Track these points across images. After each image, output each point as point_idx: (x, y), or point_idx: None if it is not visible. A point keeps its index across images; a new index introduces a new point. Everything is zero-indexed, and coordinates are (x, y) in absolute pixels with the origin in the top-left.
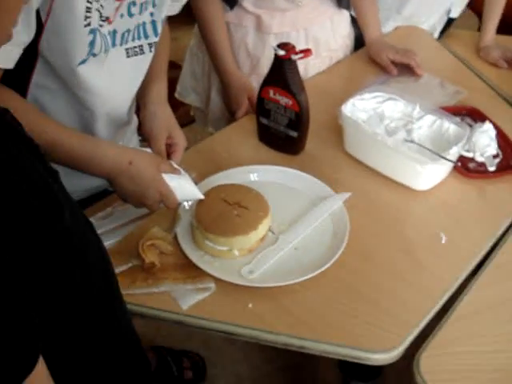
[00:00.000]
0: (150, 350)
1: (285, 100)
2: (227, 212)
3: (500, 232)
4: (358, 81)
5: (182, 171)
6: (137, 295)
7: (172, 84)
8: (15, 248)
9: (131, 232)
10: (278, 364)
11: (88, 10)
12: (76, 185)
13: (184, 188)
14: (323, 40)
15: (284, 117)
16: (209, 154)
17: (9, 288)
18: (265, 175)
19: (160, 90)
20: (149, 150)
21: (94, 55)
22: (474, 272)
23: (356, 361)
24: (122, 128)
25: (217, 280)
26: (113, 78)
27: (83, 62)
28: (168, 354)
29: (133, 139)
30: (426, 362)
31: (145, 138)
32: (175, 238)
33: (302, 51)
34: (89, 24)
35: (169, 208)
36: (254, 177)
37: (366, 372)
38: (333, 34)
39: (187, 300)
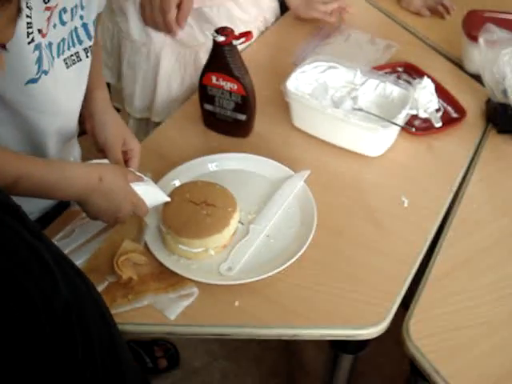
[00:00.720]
0: None
1: (229, 85)
2: (196, 213)
3: (456, 185)
4: (291, 48)
5: (145, 177)
6: (120, 314)
7: None
8: (15, 341)
9: (99, 248)
10: None
11: (29, 25)
12: (32, 206)
13: (151, 194)
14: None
15: (230, 101)
16: (157, 149)
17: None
18: (222, 164)
19: (104, 97)
20: (106, 161)
21: (46, 73)
22: (439, 229)
23: (347, 338)
24: (70, 141)
25: (198, 283)
26: (59, 93)
27: (34, 80)
28: (139, 347)
29: (75, 147)
30: (414, 328)
31: (98, 148)
32: (145, 246)
33: (242, 34)
34: (32, 40)
35: (141, 216)
36: (212, 167)
37: (356, 345)
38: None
39: (173, 309)
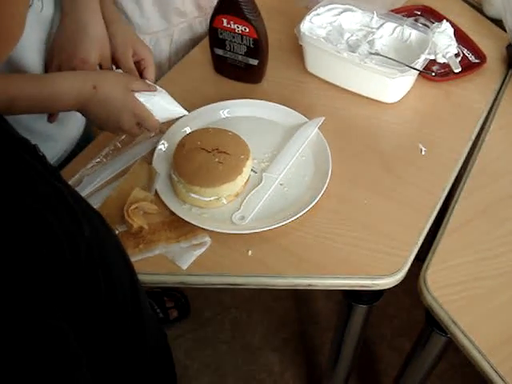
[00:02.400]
0: None
1: (241, 28)
2: (208, 161)
3: (475, 134)
4: None
5: (158, 88)
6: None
7: None
8: (40, 278)
9: (108, 196)
10: None
11: None
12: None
13: (163, 106)
14: None
15: (241, 45)
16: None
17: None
18: (234, 110)
19: (108, 6)
20: (119, 70)
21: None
22: (457, 179)
23: (363, 289)
24: None
25: (210, 232)
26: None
27: None
28: (149, 297)
29: None
30: (432, 278)
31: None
32: (156, 195)
33: None
34: None
35: (150, 131)
36: (224, 113)
37: (370, 295)
38: None
39: (185, 259)
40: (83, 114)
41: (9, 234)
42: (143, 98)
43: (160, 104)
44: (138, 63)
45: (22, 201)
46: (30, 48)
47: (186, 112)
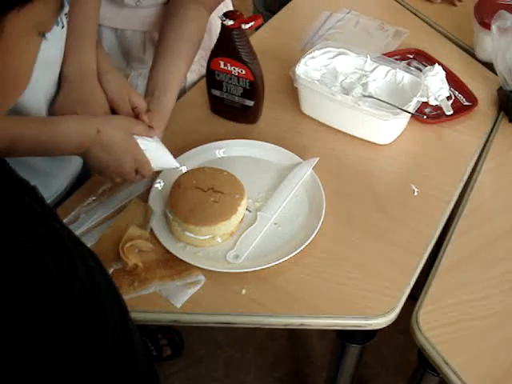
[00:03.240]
0: None
1: (237, 70)
2: (204, 200)
3: (467, 175)
4: (299, 34)
5: (154, 136)
6: (126, 301)
7: None
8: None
9: (104, 234)
10: None
11: None
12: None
13: (158, 155)
14: None
15: (238, 87)
16: (163, 135)
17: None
18: (230, 150)
19: (103, 55)
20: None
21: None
22: (450, 219)
23: (356, 328)
24: None
25: (205, 271)
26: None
27: None
28: (143, 334)
29: None
30: (424, 319)
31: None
32: (151, 233)
33: (251, 18)
34: None
35: (144, 177)
36: (220, 153)
37: (363, 335)
38: None
39: (180, 297)
40: (84, 158)
41: (5, 273)
42: (142, 142)
43: (156, 152)
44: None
45: (20, 241)
46: (34, 88)
47: (178, 165)
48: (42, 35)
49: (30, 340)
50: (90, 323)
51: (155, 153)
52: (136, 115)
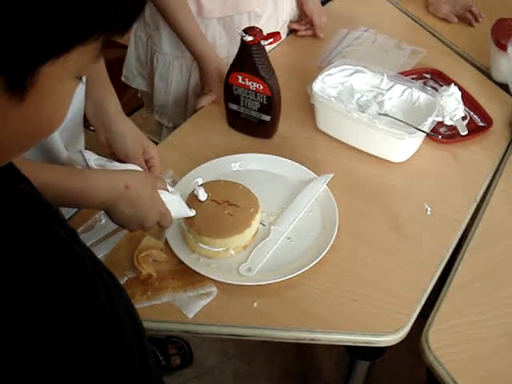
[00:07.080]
0: None
1: (255, 85)
2: (218, 212)
3: (480, 195)
4: (316, 51)
5: (170, 188)
6: (138, 310)
7: (116, 65)
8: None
9: (119, 243)
10: None
11: None
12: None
13: (176, 205)
14: (265, 18)
15: (255, 101)
16: (180, 146)
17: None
18: (246, 164)
19: (116, 105)
20: (134, 166)
21: None
22: (462, 239)
23: (366, 345)
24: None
25: (217, 283)
26: None
27: None
28: (153, 344)
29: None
30: (434, 337)
31: (119, 159)
32: (166, 243)
33: (270, 35)
34: None
35: (165, 227)
36: (235, 167)
37: (373, 351)
38: (276, 13)
39: (192, 308)
40: (107, 212)
41: (33, 299)
42: (163, 195)
43: (175, 202)
44: (146, 161)
45: (45, 268)
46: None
47: (192, 214)
48: (79, 78)
49: (49, 363)
50: (109, 344)
51: (174, 204)
52: (148, 166)
